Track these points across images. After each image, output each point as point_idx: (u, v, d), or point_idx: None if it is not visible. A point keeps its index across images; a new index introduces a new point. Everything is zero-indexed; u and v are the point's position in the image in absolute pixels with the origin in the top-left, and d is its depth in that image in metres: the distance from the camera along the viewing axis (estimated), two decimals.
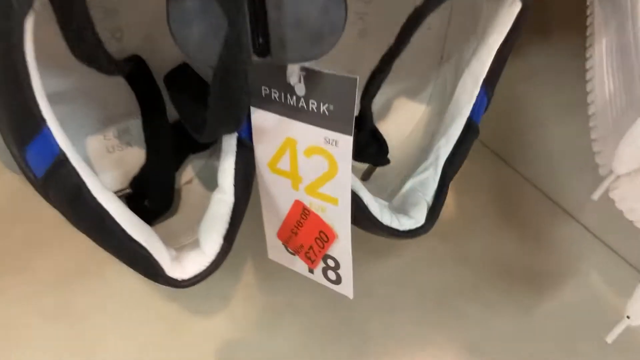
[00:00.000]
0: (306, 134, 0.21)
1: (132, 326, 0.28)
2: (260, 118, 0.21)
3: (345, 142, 0.20)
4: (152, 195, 0.26)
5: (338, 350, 0.28)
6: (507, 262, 0.34)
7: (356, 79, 0.18)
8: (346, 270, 0.23)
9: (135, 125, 0.26)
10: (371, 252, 0.32)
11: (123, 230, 0.20)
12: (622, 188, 0.25)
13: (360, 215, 0.21)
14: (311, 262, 0.24)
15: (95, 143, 0.26)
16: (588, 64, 0.27)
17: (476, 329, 0.30)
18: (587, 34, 0.26)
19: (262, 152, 0.22)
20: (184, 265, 0.21)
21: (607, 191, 0.27)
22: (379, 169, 0.25)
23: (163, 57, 0.24)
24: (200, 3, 0.16)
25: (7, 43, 0.17)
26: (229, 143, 0.22)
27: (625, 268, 0.35)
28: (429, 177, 0.23)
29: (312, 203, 0.22)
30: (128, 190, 0.27)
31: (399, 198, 0.24)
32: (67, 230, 0.25)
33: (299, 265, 0.25)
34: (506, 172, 0.41)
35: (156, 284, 0.21)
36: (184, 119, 0.21)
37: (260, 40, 0.18)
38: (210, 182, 0.27)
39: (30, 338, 0.27)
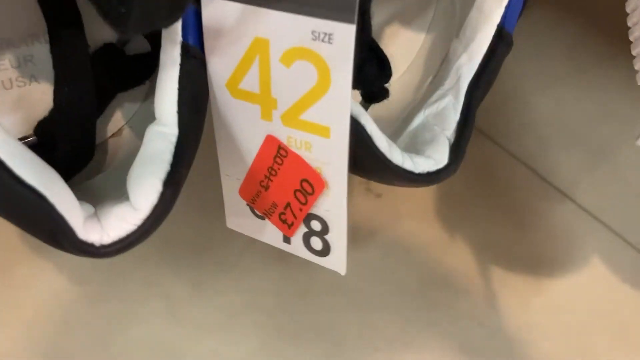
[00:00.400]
0: (285, 28, 0.14)
1: (47, 336, 0.22)
2: (217, 11, 0.15)
3: (345, 34, 0.13)
4: (66, 146, 0.19)
5: (307, 358, 0.22)
6: (499, 247, 0.30)
7: None
8: (338, 235, 0.17)
9: (42, 51, 0.19)
10: None
11: (9, 170, 0.13)
12: None
13: (362, 151, 0.15)
14: (288, 228, 0.18)
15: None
16: None
17: (468, 326, 0.25)
18: None
19: (219, 65, 0.16)
20: (104, 225, 0.14)
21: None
22: (375, 107, 0.19)
23: None
24: None
25: None
26: (170, 52, 0.15)
27: (626, 250, 0.30)
28: (448, 106, 0.17)
29: (292, 138, 0.16)
30: (32, 139, 0.19)
31: (406, 137, 0.17)
32: None
33: (270, 233, 0.18)
34: (492, 150, 0.37)
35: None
36: (101, 4, 0.14)
37: None
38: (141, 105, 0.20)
39: None
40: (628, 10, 0.21)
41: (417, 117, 0.18)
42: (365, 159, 0.15)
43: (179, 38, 0.15)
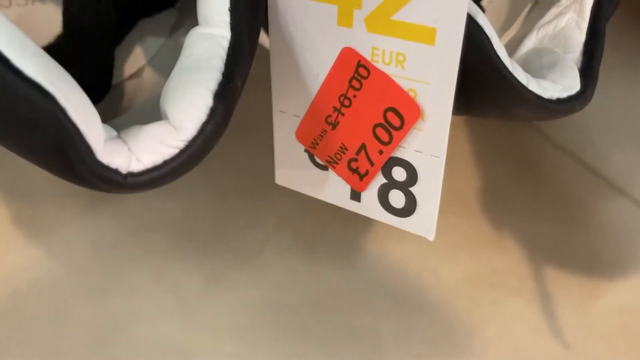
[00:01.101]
0: None
1: (40, 334, 0.18)
2: None
3: None
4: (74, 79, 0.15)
5: None
6: (550, 245, 0.27)
7: None
8: (430, 185, 0.13)
9: None
10: (378, 233, 0.23)
11: (5, 60, 0.09)
12: None
13: (478, 64, 0.11)
14: (359, 179, 0.14)
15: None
16: None
17: (523, 330, 0.22)
18: None
19: None
20: (133, 147, 0.10)
21: None
22: None
23: None
24: None
25: None
26: None
27: None
28: (570, 25, 0.13)
29: (379, 49, 0.12)
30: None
31: (518, 61, 0.13)
32: None
33: (333, 188, 0.14)
34: (539, 142, 0.33)
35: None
36: None
37: None
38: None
39: None
40: None
41: (527, 40, 0.14)
42: (481, 75, 0.11)
43: None
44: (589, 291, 0.25)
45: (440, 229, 0.22)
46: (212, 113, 0.10)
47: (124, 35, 0.17)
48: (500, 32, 0.16)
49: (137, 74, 0.18)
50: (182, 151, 0.10)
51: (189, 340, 0.20)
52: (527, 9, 0.16)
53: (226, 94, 0.11)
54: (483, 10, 0.14)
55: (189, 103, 0.10)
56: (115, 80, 0.17)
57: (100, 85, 0.16)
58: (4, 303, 0.21)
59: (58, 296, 0.21)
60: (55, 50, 0.16)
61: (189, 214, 0.23)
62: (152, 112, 0.13)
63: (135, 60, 0.18)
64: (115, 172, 0.10)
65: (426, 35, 0.11)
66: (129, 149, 0.10)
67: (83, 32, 0.15)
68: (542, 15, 0.14)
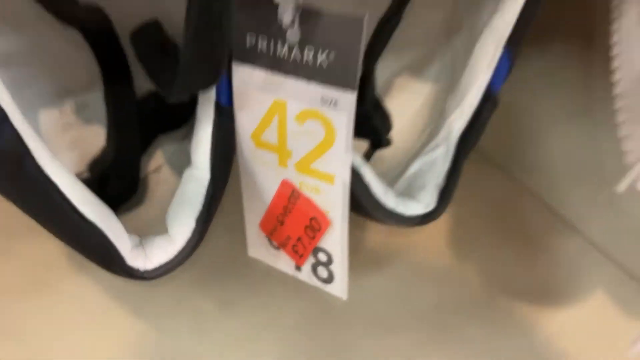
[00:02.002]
0: (299, 93, 0.17)
1: (88, 349, 0.24)
2: (244, 77, 0.18)
3: (347, 101, 0.16)
4: (114, 182, 0.22)
5: None
6: (508, 276, 0.31)
7: (362, 20, 0.15)
8: (340, 266, 0.20)
9: (96, 99, 0.23)
10: (359, 266, 0.28)
11: (74, 208, 0.16)
12: None
13: (361, 197, 0.18)
14: (299, 258, 0.20)
15: (49, 119, 0.22)
16: (614, 38, 0.24)
17: (477, 351, 0.26)
18: (613, 5, 0.24)
19: (245, 121, 0.19)
20: (147, 253, 0.17)
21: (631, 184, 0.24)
22: (379, 153, 0.22)
23: (129, 11, 0.20)
24: None
25: None
26: (205, 109, 0.18)
27: (632, 285, 0.32)
28: (439, 156, 0.20)
29: (303, 183, 0.19)
30: (86, 175, 0.23)
31: (404, 182, 0.20)
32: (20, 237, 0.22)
33: (284, 262, 0.21)
34: (505, 182, 0.38)
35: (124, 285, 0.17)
36: (151, 73, 0.17)
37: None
38: (183, 170, 0.24)
39: None
40: (613, 67, 0.24)
41: (414, 163, 0.20)
42: (363, 203, 0.18)
43: (214, 98, 0.18)
44: (536, 319, 0.30)
45: (412, 263, 0.27)
46: (194, 232, 0.17)
47: (147, 147, 0.24)
48: (410, 150, 0.22)
49: (158, 169, 0.25)
50: (175, 256, 0.17)
51: (205, 352, 0.26)
52: (427, 132, 0.22)
53: (204, 219, 0.18)
54: (389, 142, 0.21)
55: (180, 227, 0.17)
56: (141, 174, 0.24)
57: (130, 186, 0.23)
58: (60, 319, 0.27)
59: (100, 314, 0.27)
60: (100, 161, 0.23)
61: (206, 248, 0.30)
62: (168, 203, 0.20)
63: (156, 159, 0.25)
64: (137, 270, 0.17)
65: (329, 178, 0.18)
66: (145, 254, 0.17)
67: (119, 149, 0.22)
68: (427, 144, 0.21)
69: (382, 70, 0.21)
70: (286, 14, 0.15)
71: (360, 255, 0.24)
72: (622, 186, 0.23)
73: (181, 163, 0.23)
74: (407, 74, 0.23)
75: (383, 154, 0.22)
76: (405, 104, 0.23)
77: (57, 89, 0.22)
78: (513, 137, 0.39)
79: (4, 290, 0.26)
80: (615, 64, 0.24)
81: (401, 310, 0.28)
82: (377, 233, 0.31)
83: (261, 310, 0.27)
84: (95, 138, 0.23)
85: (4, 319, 0.25)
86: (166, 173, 0.25)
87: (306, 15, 0.16)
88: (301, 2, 0.15)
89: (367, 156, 0.23)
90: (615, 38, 0.24)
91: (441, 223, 0.34)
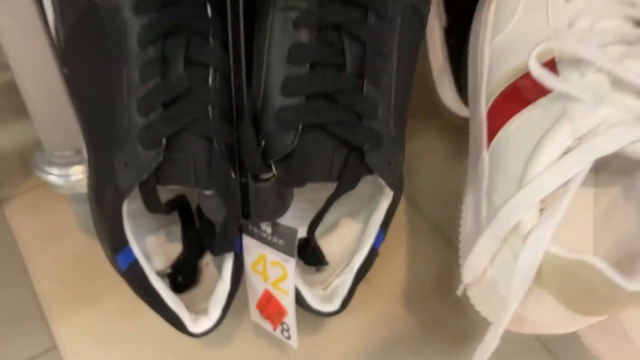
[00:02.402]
0: (271, 253, 0.37)
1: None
2: (248, 242, 0.38)
3: (291, 262, 0.36)
4: (184, 275, 0.42)
5: None
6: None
7: (296, 230, 0.35)
8: (293, 332, 0.39)
9: (176, 230, 0.43)
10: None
11: (165, 303, 0.36)
12: (471, 292, 0.40)
13: (299, 301, 0.37)
14: (274, 325, 0.40)
15: (152, 240, 0.42)
16: (463, 206, 0.42)
17: None
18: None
19: (248, 260, 0.39)
20: (198, 325, 0.37)
21: None
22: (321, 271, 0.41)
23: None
24: (215, 200, 0.33)
25: (113, 211, 0.33)
26: (229, 255, 0.38)
27: None
28: (347, 279, 0.39)
29: (274, 292, 0.38)
30: (169, 270, 0.43)
31: (331, 288, 0.39)
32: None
33: (268, 325, 0.41)
34: (448, 250, 0.56)
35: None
36: (205, 241, 0.37)
37: (246, 210, 0.34)
38: (219, 266, 0.44)
39: None
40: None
41: (336, 279, 0.40)
42: (301, 303, 0.38)
43: (236, 249, 0.38)
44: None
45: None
46: (220, 316, 0.37)
47: (202, 254, 0.44)
48: (337, 273, 0.41)
49: (207, 263, 0.45)
50: (212, 327, 0.37)
51: None
52: (348, 264, 0.42)
53: (225, 309, 0.37)
54: (325, 264, 0.40)
55: (214, 311, 0.37)
56: (199, 266, 0.45)
57: (194, 279, 0.43)
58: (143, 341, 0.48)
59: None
60: (178, 263, 0.43)
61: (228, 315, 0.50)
62: (212, 283, 0.40)
63: (206, 258, 0.45)
64: (192, 332, 0.37)
65: (285, 292, 0.38)
66: (197, 325, 0.37)
67: (188, 257, 0.42)
68: (342, 271, 0.40)
69: (329, 216, 0.40)
70: (264, 225, 0.35)
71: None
72: (459, 291, 0.42)
73: (218, 262, 0.43)
74: (343, 220, 0.43)
75: (327, 267, 0.41)
76: (341, 240, 0.42)
77: (156, 226, 0.42)
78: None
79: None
80: (462, 217, 0.42)
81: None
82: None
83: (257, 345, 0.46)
84: (175, 250, 0.43)
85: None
86: (211, 266, 0.45)
87: (273, 224, 0.35)
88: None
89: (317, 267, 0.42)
90: (464, 206, 0.42)
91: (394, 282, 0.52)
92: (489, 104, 0.40)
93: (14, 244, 0.54)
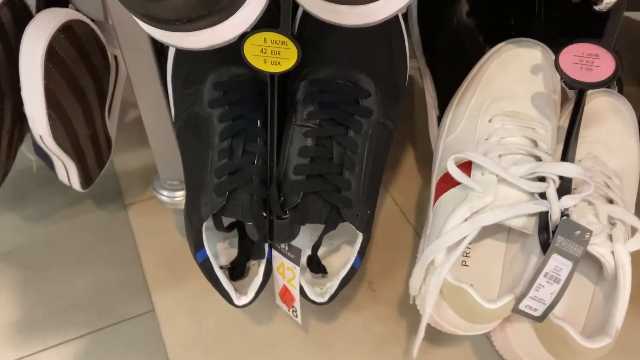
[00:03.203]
0: (286, 262, 0.61)
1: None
2: (274, 253, 0.62)
3: (297, 269, 0.59)
4: (237, 270, 0.66)
5: None
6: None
7: (300, 250, 0.58)
8: (299, 313, 0.63)
9: (235, 242, 0.67)
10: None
11: (222, 286, 0.61)
12: (416, 300, 0.62)
13: (303, 293, 0.61)
14: (288, 307, 0.64)
15: (219, 246, 0.67)
16: (420, 242, 0.64)
17: None
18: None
19: (274, 265, 0.62)
20: (240, 300, 0.61)
21: None
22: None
23: None
24: (254, 228, 0.57)
25: (197, 227, 0.59)
26: (263, 260, 0.62)
27: None
28: (334, 284, 0.62)
29: (288, 286, 0.62)
30: (228, 266, 0.67)
31: (325, 288, 0.63)
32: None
33: (285, 307, 0.65)
34: None
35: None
36: (250, 251, 0.62)
37: (272, 235, 0.58)
38: (257, 267, 0.68)
39: None
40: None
41: (328, 284, 0.63)
42: (304, 296, 0.61)
43: (266, 257, 0.62)
44: None
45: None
46: (256, 294, 0.61)
47: (250, 257, 0.68)
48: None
49: (252, 264, 0.69)
50: (249, 302, 0.61)
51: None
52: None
53: (260, 290, 0.61)
54: (325, 272, 0.64)
55: (251, 292, 0.61)
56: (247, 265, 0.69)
57: (243, 271, 0.67)
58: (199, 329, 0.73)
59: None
60: (235, 262, 0.67)
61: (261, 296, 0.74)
62: (253, 275, 0.64)
63: (250, 262, 0.69)
64: (238, 305, 0.61)
65: (294, 287, 0.61)
66: (240, 300, 0.61)
67: (241, 258, 0.67)
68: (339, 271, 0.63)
69: (327, 246, 0.64)
70: (283, 245, 0.59)
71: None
72: (411, 300, 0.64)
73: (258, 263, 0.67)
74: (339, 247, 0.66)
75: (326, 276, 0.65)
76: (336, 260, 0.66)
77: (222, 237, 0.67)
78: None
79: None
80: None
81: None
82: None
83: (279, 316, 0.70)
84: (233, 253, 0.68)
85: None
86: (254, 265, 0.69)
87: (289, 244, 0.59)
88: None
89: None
90: (421, 242, 0.64)
91: (392, 290, 0.75)
92: (436, 181, 0.62)
93: (132, 237, 0.81)
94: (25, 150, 0.74)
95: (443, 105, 0.73)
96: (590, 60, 0.50)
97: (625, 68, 1.07)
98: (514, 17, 0.67)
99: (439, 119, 0.74)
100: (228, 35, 0.38)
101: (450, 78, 0.69)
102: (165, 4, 0.32)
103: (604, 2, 0.45)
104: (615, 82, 0.68)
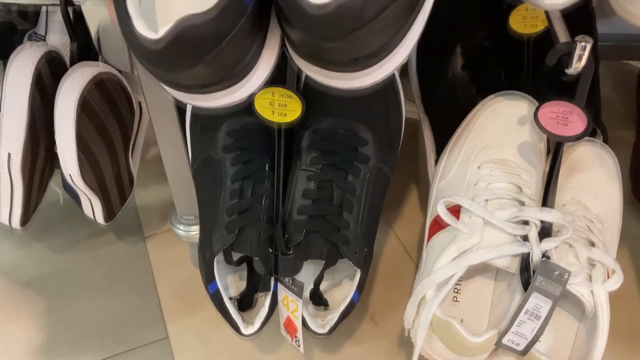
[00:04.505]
0: (290, 295, 0.66)
1: None
2: (279, 287, 0.67)
3: (300, 301, 0.64)
4: (246, 300, 0.72)
5: None
6: None
7: (303, 284, 0.63)
8: (301, 343, 0.67)
9: (244, 275, 0.73)
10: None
11: (231, 316, 0.66)
12: (411, 333, 0.67)
13: (306, 325, 0.66)
14: (292, 337, 0.69)
15: (229, 279, 0.72)
16: (416, 279, 0.69)
17: None
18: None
19: (279, 297, 0.68)
20: (247, 330, 0.66)
21: None
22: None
23: None
24: (260, 263, 0.62)
25: (209, 261, 0.64)
26: (269, 292, 0.67)
27: None
28: (335, 317, 0.67)
29: (292, 318, 0.67)
30: (237, 297, 0.73)
31: (326, 320, 0.67)
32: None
33: (288, 337, 0.69)
34: None
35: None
36: (257, 283, 0.67)
37: (277, 269, 0.63)
38: (264, 299, 0.73)
39: None
40: None
41: (329, 316, 0.68)
42: (306, 327, 0.66)
43: (272, 289, 0.67)
44: None
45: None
46: (259, 327, 0.66)
47: (257, 291, 0.73)
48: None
49: (259, 297, 0.74)
50: (255, 332, 0.66)
51: None
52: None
53: (266, 321, 0.66)
54: (326, 303, 0.69)
55: (257, 320, 0.66)
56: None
57: (251, 304, 0.72)
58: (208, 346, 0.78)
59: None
60: (243, 294, 0.72)
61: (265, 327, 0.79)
62: (260, 307, 0.69)
63: (258, 294, 0.74)
64: (245, 334, 0.66)
65: (297, 317, 0.66)
66: (247, 330, 0.66)
67: (250, 290, 0.72)
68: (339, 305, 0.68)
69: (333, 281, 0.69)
70: (286, 279, 0.64)
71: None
72: (406, 333, 0.69)
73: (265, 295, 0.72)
74: (341, 282, 0.71)
75: (329, 309, 0.69)
76: (338, 294, 0.71)
77: (232, 270, 0.72)
78: None
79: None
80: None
81: None
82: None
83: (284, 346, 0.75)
84: (242, 285, 0.73)
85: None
86: (260, 299, 0.74)
87: (292, 278, 0.64)
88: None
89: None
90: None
91: (395, 324, 0.80)
92: (430, 222, 0.67)
93: (149, 266, 0.86)
94: (53, 185, 0.81)
95: (440, 149, 0.79)
96: (565, 116, 0.55)
97: (622, 113, 1.12)
98: (504, 71, 0.73)
99: (437, 161, 0.80)
100: (240, 96, 0.44)
101: (446, 125, 0.75)
102: (184, 74, 0.38)
103: (573, 66, 0.50)
104: (600, 132, 0.73)
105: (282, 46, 0.45)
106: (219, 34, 0.36)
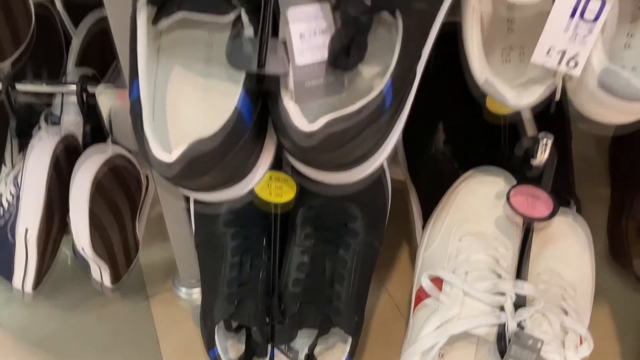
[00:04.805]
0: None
1: None
2: (276, 352, 0.71)
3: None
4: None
5: None
6: None
7: (298, 351, 0.68)
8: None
9: (243, 339, 0.77)
10: None
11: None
12: None
13: None
14: None
15: (229, 343, 0.77)
16: (404, 345, 0.74)
17: None
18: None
19: None
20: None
21: None
22: None
23: None
24: (257, 332, 0.67)
25: (210, 328, 0.69)
26: (266, 357, 0.72)
27: None
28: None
29: None
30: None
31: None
32: None
33: None
34: None
35: None
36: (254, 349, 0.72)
37: (274, 336, 0.68)
38: None
39: None
40: None
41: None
42: None
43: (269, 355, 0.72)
44: None
45: None
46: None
47: None
48: None
49: None
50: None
51: None
52: None
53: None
54: None
55: None
56: None
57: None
58: None
59: None
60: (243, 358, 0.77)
61: None
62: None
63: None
64: None
65: None
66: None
67: (248, 356, 0.77)
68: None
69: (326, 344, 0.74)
70: (284, 346, 0.69)
71: None
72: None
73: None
74: (335, 346, 0.76)
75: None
76: (331, 358, 0.75)
77: (231, 335, 0.77)
78: None
79: None
80: None
81: None
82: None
83: None
84: (241, 349, 0.78)
85: None
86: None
87: (288, 345, 0.69)
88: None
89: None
90: None
91: None
92: (415, 291, 0.72)
93: (153, 326, 0.91)
94: (62, 245, 0.86)
95: (426, 215, 0.85)
96: (534, 199, 0.61)
97: (603, 173, 1.18)
98: (483, 147, 0.79)
99: (424, 227, 0.85)
100: (242, 191, 0.50)
101: (431, 193, 0.81)
102: (193, 182, 0.44)
103: (538, 159, 0.56)
104: (574, 202, 0.79)
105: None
106: (225, 151, 0.42)
